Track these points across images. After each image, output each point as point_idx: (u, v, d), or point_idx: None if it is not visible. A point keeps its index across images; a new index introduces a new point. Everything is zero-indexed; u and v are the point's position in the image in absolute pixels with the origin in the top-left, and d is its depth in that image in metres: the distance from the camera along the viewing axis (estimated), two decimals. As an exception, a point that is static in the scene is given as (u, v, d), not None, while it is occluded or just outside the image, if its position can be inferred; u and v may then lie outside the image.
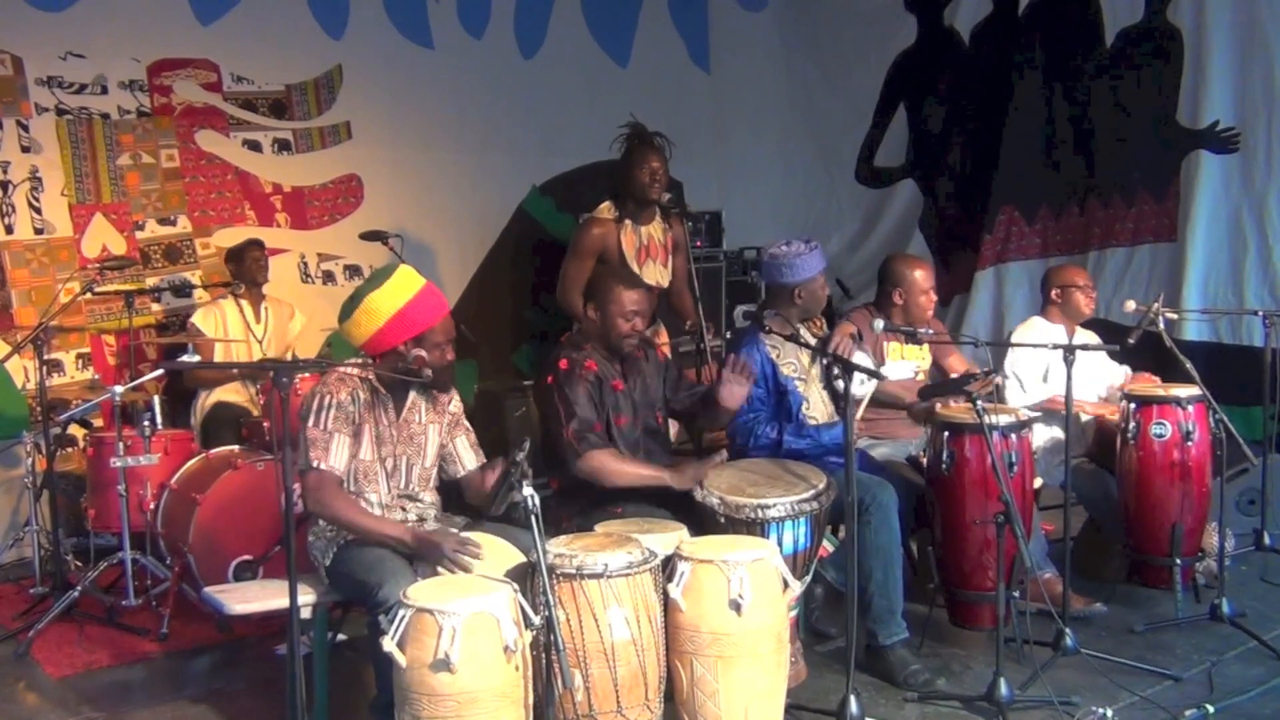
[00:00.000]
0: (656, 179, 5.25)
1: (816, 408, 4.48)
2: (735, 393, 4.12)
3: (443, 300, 3.72)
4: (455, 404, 3.86)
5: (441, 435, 3.79)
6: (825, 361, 4.43)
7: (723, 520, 3.80)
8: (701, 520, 3.86)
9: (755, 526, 3.75)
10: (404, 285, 3.60)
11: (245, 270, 6.13)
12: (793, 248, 4.44)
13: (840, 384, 3.80)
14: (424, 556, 3.42)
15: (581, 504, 4.10)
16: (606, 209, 5.37)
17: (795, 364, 4.48)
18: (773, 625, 3.38)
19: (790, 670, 3.90)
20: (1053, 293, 5.25)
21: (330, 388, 3.54)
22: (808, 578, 3.97)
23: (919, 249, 8.11)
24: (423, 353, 3.58)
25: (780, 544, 3.71)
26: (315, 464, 3.47)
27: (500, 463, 3.58)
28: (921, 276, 4.79)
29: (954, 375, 4.93)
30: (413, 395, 3.71)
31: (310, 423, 3.50)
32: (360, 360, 3.67)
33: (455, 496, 3.95)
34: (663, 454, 4.32)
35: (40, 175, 6.30)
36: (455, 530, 3.56)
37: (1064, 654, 4.12)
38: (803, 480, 3.93)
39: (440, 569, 3.35)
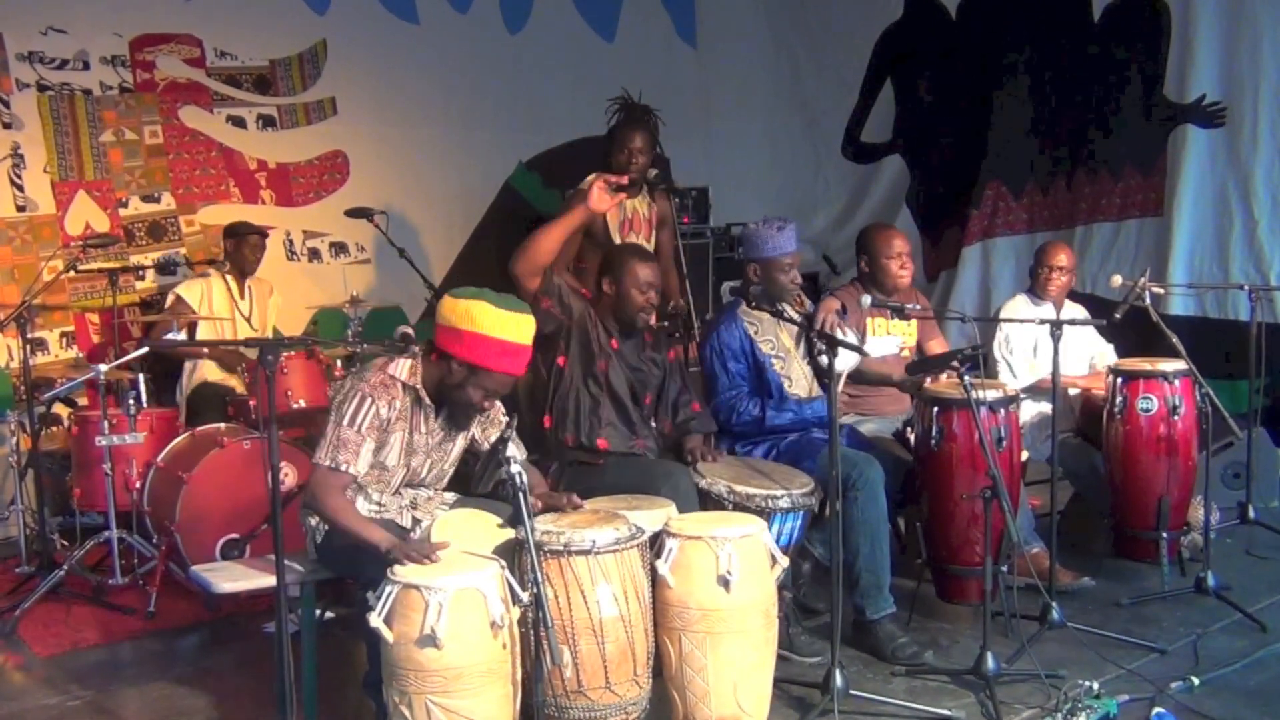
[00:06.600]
0: (634, 161, 5.19)
1: (799, 384, 4.48)
2: None
3: (524, 366, 3.53)
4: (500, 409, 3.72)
5: (469, 439, 3.70)
6: (811, 336, 4.42)
7: (730, 508, 3.85)
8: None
9: (761, 516, 3.77)
10: (515, 326, 3.42)
11: (240, 253, 6.03)
12: (765, 224, 4.39)
13: (824, 359, 3.79)
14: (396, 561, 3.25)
15: (569, 454, 4.08)
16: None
17: (774, 341, 4.47)
18: (761, 601, 3.39)
19: None
20: (1029, 270, 5.36)
21: (374, 390, 3.38)
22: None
23: (906, 224, 8.09)
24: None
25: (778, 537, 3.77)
26: (344, 467, 3.31)
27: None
28: (892, 244, 4.72)
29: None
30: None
31: (346, 421, 3.34)
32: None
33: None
34: (632, 421, 4.21)
35: (22, 152, 6.26)
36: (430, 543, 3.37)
37: (1050, 627, 4.14)
38: (793, 477, 4.03)
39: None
